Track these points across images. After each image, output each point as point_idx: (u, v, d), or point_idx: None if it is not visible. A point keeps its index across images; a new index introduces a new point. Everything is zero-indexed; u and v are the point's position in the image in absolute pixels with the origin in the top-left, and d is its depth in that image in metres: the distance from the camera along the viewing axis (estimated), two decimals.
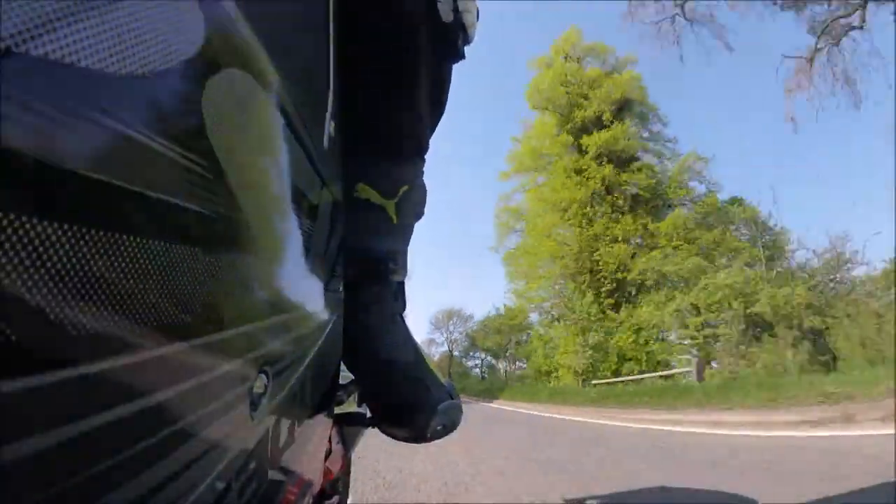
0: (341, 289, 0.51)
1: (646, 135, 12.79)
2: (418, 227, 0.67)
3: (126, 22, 0.13)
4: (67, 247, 0.11)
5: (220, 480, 0.19)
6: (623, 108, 12.26)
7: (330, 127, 0.38)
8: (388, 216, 0.57)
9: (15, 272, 0.09)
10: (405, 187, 0.58)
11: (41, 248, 0.10)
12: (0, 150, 0.09)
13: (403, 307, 0.63)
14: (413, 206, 0.61)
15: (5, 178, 0.09)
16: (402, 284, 0.62)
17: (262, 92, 0.22)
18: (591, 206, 11.92)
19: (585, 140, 11.85)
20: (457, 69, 0.61)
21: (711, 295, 8.99)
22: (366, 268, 0.58)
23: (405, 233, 0.61)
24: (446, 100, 0.62)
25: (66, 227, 0.11)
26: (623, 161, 12.01)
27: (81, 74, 0.11)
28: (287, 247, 0.28)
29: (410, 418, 0.57)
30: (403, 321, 0.61)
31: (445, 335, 21.05)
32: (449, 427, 0.59)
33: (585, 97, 12.39)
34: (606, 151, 11.84)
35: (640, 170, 11.92)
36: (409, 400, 0.57)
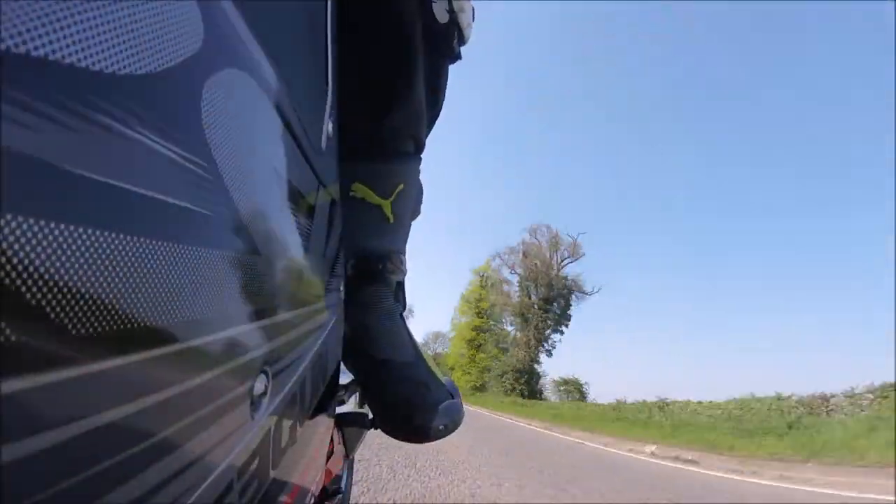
0: (341, 288, 0.51)
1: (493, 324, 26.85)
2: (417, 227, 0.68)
3: (125, 22, 0.13)
4: (67, 247, 0.11)
5: (220, 481, 0.19)
6: (485, 312, 25.88)
7: (328, 127, 0.38)
8: (385, 216, 0.57)
9: (15, 272, 0.09)
10: (401, 186, 0.58)
11: (41, 248, 0.10)
12: (0, 149, 0.09)
13: (403, 307, 0.63)
14: (409, 205, 0.61)
15: (5, 178, 0.09)
16: (401, 284, 0.62)
17: (259, 92, 0.22)
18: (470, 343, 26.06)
19: (472, 320, 26.21)
20: (453, 69, 0.61)
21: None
22: (363, 268, 0.58)
23: (402, 232, 0.61)
24: (443, 100, 0.62)
25: (65, 227, 0.11)
26: (480, 330, 25.54)
27: (80, 74, 0.11)
28: (286, 247, 0.28)
29: (411, 418, 0.57)
30: (403, 321, 0.61)
31: (431, 351, 29.56)
32: (450, 426, 0.58)
33: (478, 303, 25.96)
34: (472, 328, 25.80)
35: (483, 334, 25.66)
36: (409, 400, 0.57)
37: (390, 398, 0.58)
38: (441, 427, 0.57)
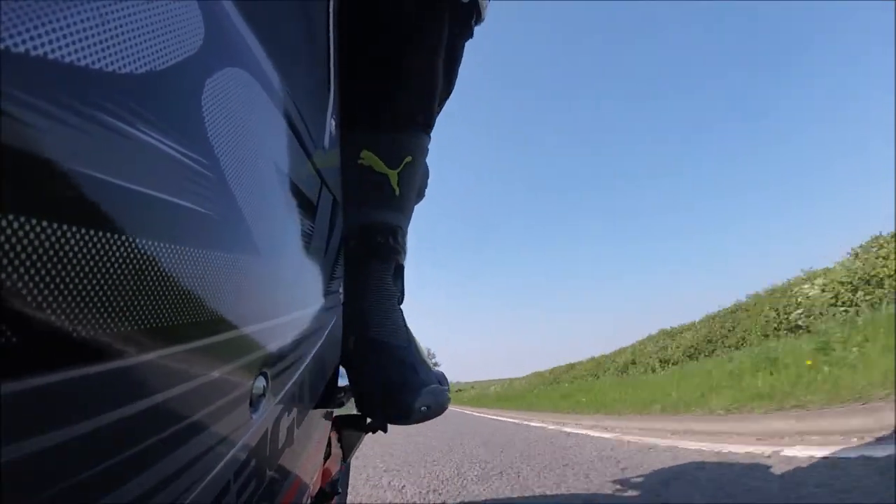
0: (341, 290, 0.51)
1: None
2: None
3: (127, 21, 0.13)
4: (67, 247, 0.11)
5: (219, 481, 0.19)
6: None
7: (331, 125, 0.38)
8: (391, 186, 0.56)
9: (15, 272, 0.09)
10: (408, 158, 0.57)
11: (41, 249, 0.10)
12: (0, 150, 0.09)
13: (402, 295, 0.61)
14: (415, 181, 0.61)
15: (5, 178, 0.09)
16: (400, 268, 0.61)
17: (261, 90, 0.22)
18: None
19: None
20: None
21: None
22: (364, 240, 0.56)
23: (406, 208, 0.60)
24: (456, 78, 0.62)
25: (65, 227, 0.11)
26: None
27: (82, 74, 0.11)
28: (287, 247, 0.28)
29: (395, 397, 0.54)
30: (400, 309, 0.60)
31: None
32: (434, 409, 0.55)
33: None
34: None
35: None
36: (396, 379, 0.54)
37: (376, 376, 0.55)
38: (424, 408, 0.54)
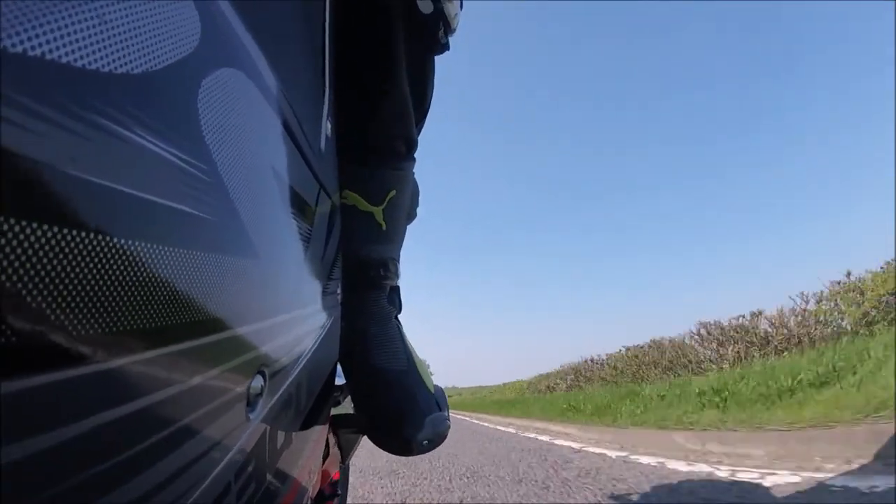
0: (339, 291, 0.51)
1: None
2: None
3: (122, 22, 0.13)
4: (66, 248, 0.11)
5: (218, 482, 0.19)
6: None
7: (327, 128, 0.38)
8: (377, 223, 0.56)
9: (14, 273, 0.09)
10: (392, 192, 0.56)
11: (40, 250, 0.10)
12: (0, 150, 0.09)
13: (399, 310, 0.62)
14: (403, 210, 0.60)
15: (5, 178, 0.09)
16: (395, 288, 0.61)
17: (257, 92, 0.22)
18: None
19: None
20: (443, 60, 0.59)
21: None
22: (357, 275, 0.56)
23: (395, 239, 0.60)
24: (431, 94, 0.60)
25: (64, 228, 0.11)
26: None
27: (76, 74, 0.11)
28: (284, 249, 0.28)
29: (398, 430, 0.55)
30: (398, 324, 0.60)
31: None
32: (435, 441, 0.56)
33: None
34: None
35: None
36: (397, 411, 0.55)
37: (379, 407, 0.56)
38: (425, 442, 0.55)
